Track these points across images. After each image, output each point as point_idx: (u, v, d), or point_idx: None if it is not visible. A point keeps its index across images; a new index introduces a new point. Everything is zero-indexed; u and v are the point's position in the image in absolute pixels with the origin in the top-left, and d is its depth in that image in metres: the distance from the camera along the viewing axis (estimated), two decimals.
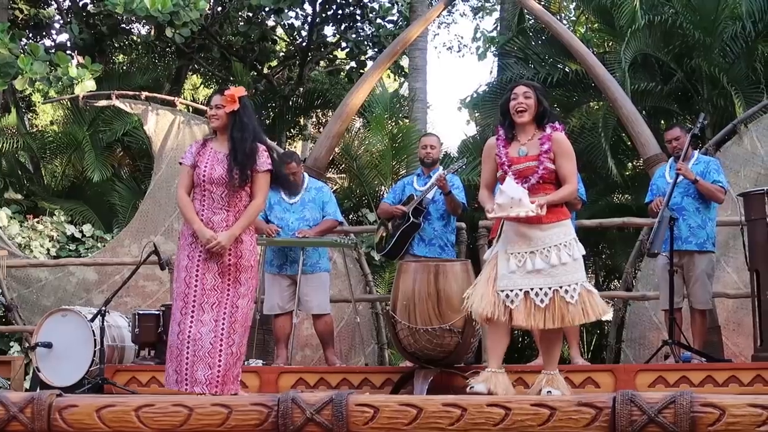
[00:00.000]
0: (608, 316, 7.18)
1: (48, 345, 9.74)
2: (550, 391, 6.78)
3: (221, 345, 7.25)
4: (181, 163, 7.59)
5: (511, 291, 6.91)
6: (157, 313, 10.06)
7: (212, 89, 23.25)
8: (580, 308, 6.89)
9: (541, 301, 6.86)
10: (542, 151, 7.06)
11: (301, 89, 22.10)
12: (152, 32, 21.08)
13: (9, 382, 10.70)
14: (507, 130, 7.22)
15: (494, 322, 6.95)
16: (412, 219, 10.05)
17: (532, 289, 6.89)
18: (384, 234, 10.47)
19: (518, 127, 7.20)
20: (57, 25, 20.57)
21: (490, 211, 6.98)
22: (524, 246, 6.97)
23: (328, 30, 22.84)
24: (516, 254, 6.97)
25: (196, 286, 7.25)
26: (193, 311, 7.22)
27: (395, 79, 27.19)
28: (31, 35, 19.73)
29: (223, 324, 7.27)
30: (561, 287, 6.88)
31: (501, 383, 6.92)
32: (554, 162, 7.07)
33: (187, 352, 7.19)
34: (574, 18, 25.02)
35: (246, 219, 7.45)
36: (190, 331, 7.20)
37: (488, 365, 7.09)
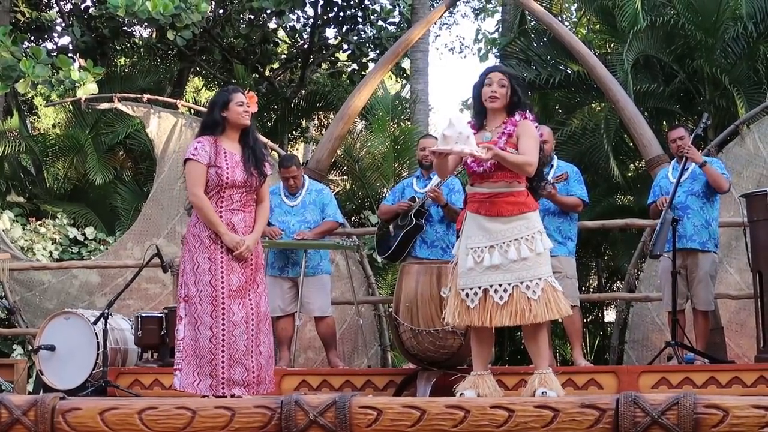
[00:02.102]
0: (566, 313, 6.98)
1: (51, 348, 9.75)
2: (544, 392, 6.64)
3: (253, 345, 7.25)
4: (190, 159, 7.35)
5: (470, 289, 6.78)
6: (160, 315, 10.06)
7: (214, 92, 23.28)
8: (544, 304, 6.70)
9: (501, 297, 6.69)
10: (501, 133, 6.88)
11: (303, 91, 22.12)
12: (154, 35, 21.09)
13: (12, 385, 10.72)
14: (477, 117, 7.06)
15: (476, 326, 6.91)
16: (414, 221, 10.05)
17: (491, 285, 6.73)
18: (381, 232, 10.44)
19: (489, 114, 7.02)
20: (59, 28, 20.58)
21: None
22: (484, 240, 6.79)
23: (330, 32, 22.88)
24: (475, 249, 6.81)
25: (222, 288, 7.20)
26: (224, 314, 7.17)
27: (397, 81, 27.23)
28: (33, 38, 19.72)
29: (252, 324, 7.26)
30: (522, 282, 6.70)
31: (489, 385, 6.91)
32: (517, 147, 6.85)
33: (223, 356, 7.15)
34: (575, 19, 25.01)
35: (263, 220, 7.58)
36: (223, 335, 7.16)
37: (474, 369, 7.05)
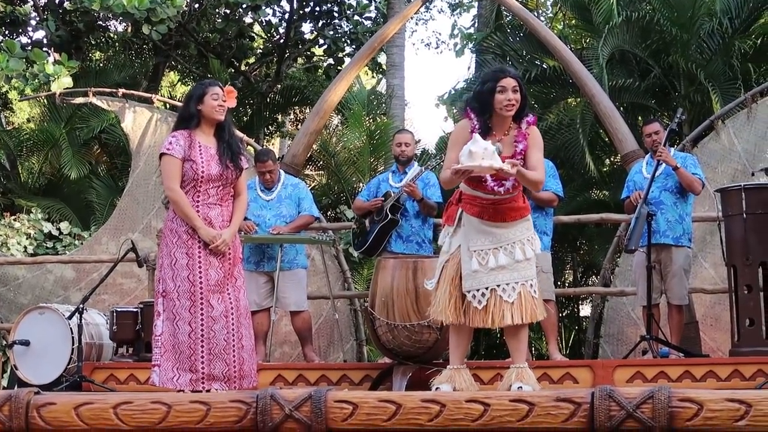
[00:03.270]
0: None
1: (26, 343, 9.72)
2: (520, 386, 6.63)
3: (234, 340, 7.21)
4: (165, 154, 7.31)
5: (477, 291, 6.75)
6: (135, 310, 10.03)
7: (189, 86, 23.22)
8: (531, 305, 6.80)
9: (509, 296, 6.71)
10: (516, 152, 6.78)
11: (279, 86, 22.09)
12: (129, 29, 21.01)
13: None
14: (484, 123, 6.82)
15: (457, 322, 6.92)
16: (390, 216, 10.06)
17: (498, 285, 6.73)
18: (355, 228, 10.47)
19: (496, 119, 6.84)
20: (33, 22, 20.44)
21: (458, 164, 6.60)
22: (487, 243, 6.77)
23: (306, 27, 22.83)
24: (478, 252, 6.78)
25: (201, 283, 7.17)
26: (202, 309, 7.14)
27: (373, 76, 27.22)
28: (7, 32, 19.62)
29: (232, 319, 7.22)
30: (527, 281, 6.76)
31: (465, 379, 6.92)
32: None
33: (202, 351, 7.12)
34: (551, 14, 25.08)
35: (240, 214, 7.53)
36: (203, 330, 7.13)
37: (451, 363, 7.06)
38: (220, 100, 7.32)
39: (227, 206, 7.40)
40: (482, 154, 6.42)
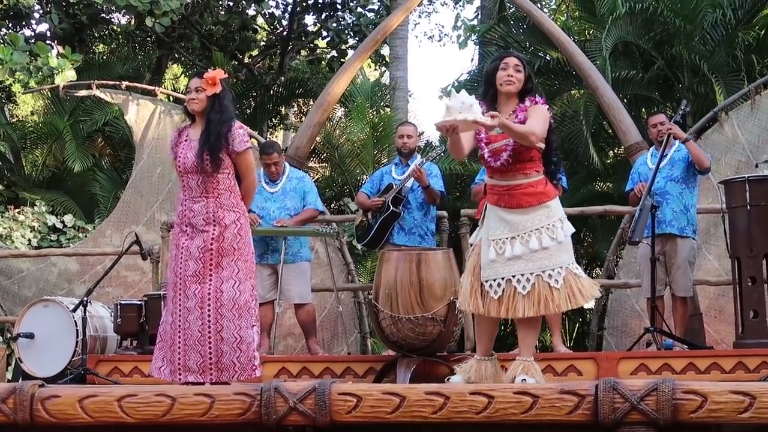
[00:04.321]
0: (592, 300, 6.94)
1: (30, 336, 9.73)
2: (524, 379, 6.59)
3: (209, 331, 7.09)
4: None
5: (494, 281, 6.70)
6: (139, 303, 10.04)
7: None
8: (566, 293, 6.64)
9: (524, 287, 6.62)
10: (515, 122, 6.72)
11: (282, 78, 22.06)
12: (132, 22, 21.01)
13: None
14: (490, 103, 6.82)
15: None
16: (392, 208, 10.05)
17: (513, 276, 6.65)
18: (362, 221, 10.45)
19: (501, 100, 6.86)
20: (37, 15, 20.43)
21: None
22: (505, 232, 6.72)
23: (309, 19, 22.85)
24: (497, 241, 6.74)
25: (180, 274, 7.17)
26: (179, 299, 7.13)
27: (376, 68, 27.17)
28: (10, 25, 19.61)
29: (209, 310, 7.10)
30: (544, 272, 6.64)
31: (488, 371, 6.91)
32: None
33: (179, 342, 7.10)
34: (554, 6, 25.05)
35: (249, 198, 7.50)
36: (179, 320, 7.10)
37: (477, 353, 7.07)
38: (193, 92, 7.26)
39: (214, 198, 7.23)
40: (459, 108, 6.36)
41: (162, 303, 8.86)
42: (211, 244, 7.20)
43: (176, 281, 7.18)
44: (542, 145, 6.74)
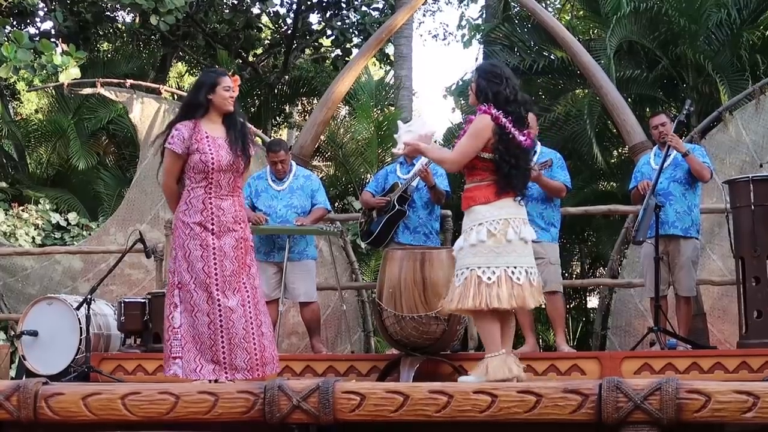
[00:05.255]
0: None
1: (34, 333, 9.73)
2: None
3: (253, 328, 7.25)
4: (166, 148, 7.40)
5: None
6: (143, 301, 10.04)
7: (197, 77, 23.22)
8: (459, 293, 6.84)
9: (457, 281, 6.90)
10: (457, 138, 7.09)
11: (287, 77, 22.08)
12: (137, 20, 20.98)
13: None
14: None
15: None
16: (397, 207, 10.04)
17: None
18: (363, 220, 10.45)
19: None
20: (41, 13, 20.46)
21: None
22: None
23: (314, 18, 22.84)
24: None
25: (216, 274, 7.19)
26: (219, 299, 7.17)
27: (381, 67, 27.18)
28: (15, 23, 19.64)
29: (249, 307, 7.27)
30: (468, 269, 6.82)
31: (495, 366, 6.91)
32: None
33: (222, 342, 7.15)
34: (559, 5, 25.03)
35: None
36: (221, 321, 7.16)
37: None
38: (231, 91, 7.34)
39: (238, 196, 7.42)
40: (407, 129, 7.20)
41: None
42: (241, 243, 7.36)
43: (209, 282, 7.19)
44: (483, 153, 6.87)
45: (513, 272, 6.80)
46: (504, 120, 6.83)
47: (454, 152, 6.94)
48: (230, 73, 7.57)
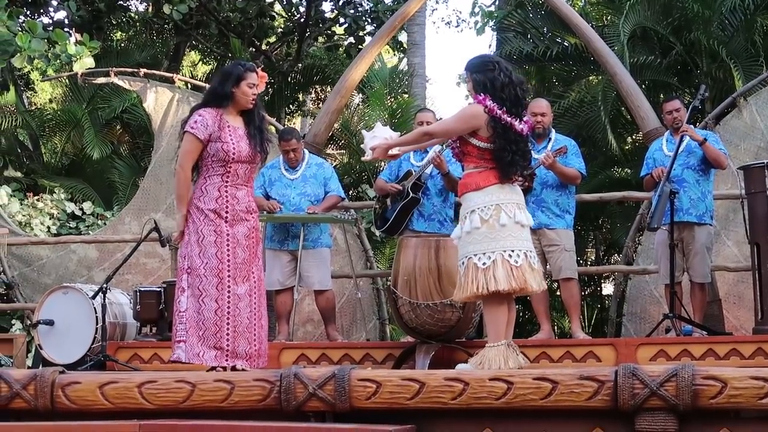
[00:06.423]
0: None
1: (50, 322, 9.76)
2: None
3: (255, 319, 7.32)
4: (188, 132, 7.36)
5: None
6: (158, 289, 10.07)
7: (211, 66, 23.28)
8: (462, 281, 6.94)
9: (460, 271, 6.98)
10: None
11: (300, 65, 22.05)
12: (150, 9, 21.03)
13: (11, 360, 10.75)
14: None
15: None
16: (411, 194, 10.04)
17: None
18: (377, 208, 10.45)
19: None
20: (55, 2, 20.45)
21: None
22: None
23: (326, 6, 22.77)
24: None
25: (228, 261, 7.24)
26: (229, 286, 7.22)
27: (394, 55, 27.14)
28: (28, 13, 19.63)
29: (255, 298, 7.34)
30: (468, 257, 6.89)
31: (498, 356, 6.92)
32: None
33: (227, 328, 7.19)
34: None
35: None
36: (229, 308, 7.21)
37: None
38: (255, 88, 7.37)
39: (250, 187, 7.50)
40: (374, 135, 7.51)
41: None
42: (253, 233, 7.44)
43: (222, 267, 7.24)
44: (478, 142, 6.92)
45: (510, 255, 6.84)
46: (498, 111, 6.86)
47: (435, 124, 7.10)
48: (260, 68, 7.58)
